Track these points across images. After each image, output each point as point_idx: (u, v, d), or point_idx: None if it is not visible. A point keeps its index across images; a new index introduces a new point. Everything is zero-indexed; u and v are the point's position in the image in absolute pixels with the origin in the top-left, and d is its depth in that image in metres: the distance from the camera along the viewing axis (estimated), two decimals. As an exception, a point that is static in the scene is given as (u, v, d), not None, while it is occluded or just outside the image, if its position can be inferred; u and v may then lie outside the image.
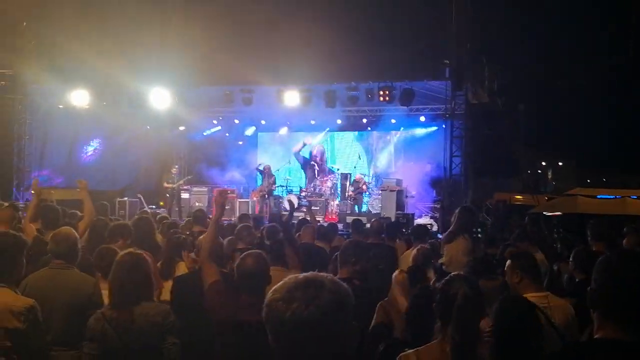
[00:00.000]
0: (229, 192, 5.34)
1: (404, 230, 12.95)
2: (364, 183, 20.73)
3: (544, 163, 48.44)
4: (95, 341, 4.01)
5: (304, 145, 22.29)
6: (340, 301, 1.84)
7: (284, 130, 23.99)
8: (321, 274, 1.93)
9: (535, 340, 3.46)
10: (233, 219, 16.34)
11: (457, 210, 7.55)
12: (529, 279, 4.60)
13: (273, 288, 1.89)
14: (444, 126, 19.02)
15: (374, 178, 21.47)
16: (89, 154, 22.04)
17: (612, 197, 21.42)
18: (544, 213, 16.48)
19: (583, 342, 3.58)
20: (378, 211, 18.59)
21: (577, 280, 6.00)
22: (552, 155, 47.39)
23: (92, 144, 22.04)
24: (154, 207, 19.29)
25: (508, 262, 4.88)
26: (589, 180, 41.93)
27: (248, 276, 3.91)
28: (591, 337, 2.48)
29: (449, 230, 7.15)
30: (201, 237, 5.56)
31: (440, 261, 6.81)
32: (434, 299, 3.82)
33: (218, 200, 4.74)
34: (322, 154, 22.57)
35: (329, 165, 23.17)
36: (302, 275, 1.90)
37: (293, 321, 1.78)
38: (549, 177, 48.19)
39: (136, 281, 4.09)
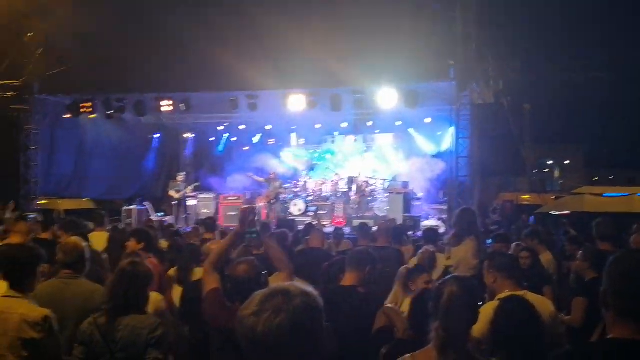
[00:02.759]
0: (254, 208, 5.36)
1: (410, 233, 12.96)
2: (367, 186, 20.72)
3: (550, 162, 48.34)
4: (83, 345, 4.05)
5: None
6: (308, 305, 1.88)
7: (293, 137, 24.05)
8: (287, 284, 1.96)
9: (539, 339, 3.46)
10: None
11: (456, 212, 7.53)
12: (503, 277, 4.62)
13: (243, 305, 1.92)
14: (450, 127, 18.97)
15: (383, 182, 21.41)
16: None
17: (618, 194, 21.37)
18: (551, 212, 16.47)
19: (597, 341, 3.57)
20: (385, 214, 18.56)
21: (586, 279, 5.98)
22: (558, 154, 47.31)
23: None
24: (161, 214, 19.31)
25: (485, 262, 4.90)
26: (595, 179, 41.87)
27: (240, 283, 3.90)
28: (603, 337, 2.47)
29: (452, 233, 7.11)
30: (209, 243, 5.57)
31: (446, 264, 6.78)
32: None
33: (243, 217, 4.62)
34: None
35: (332, 170, 23.28)
36: (267, 288, 1.95)
37: (265, 332, 1.81)
38: (556, 176, 48.08)
39: (131, 291, 4.13)
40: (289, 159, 24.25)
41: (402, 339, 4.12)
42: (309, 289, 1.96)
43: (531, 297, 4.44)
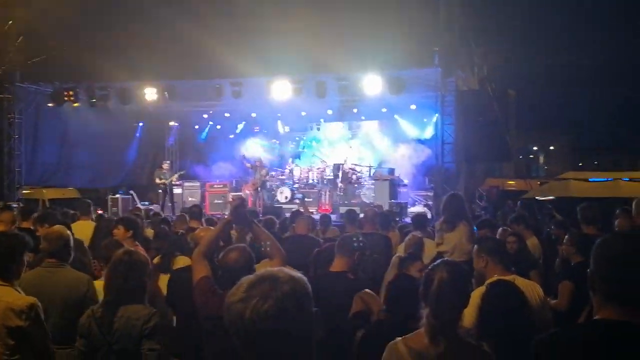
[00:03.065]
0: (244, 200, 5.38)
1: (397, 219, 12.98)
2: (353, 173, 20.73)
3: (535, 148, 48.60)
4: (83, 337, 4.04)
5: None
6: (296, 290, 1.87)
7: (279, 125, 24.03)
8: (274, 269, 1.94)
9: (527, 323, 3.48)
10: (227, 213, 16.34)
11: (445, 198, 7.51)
12: (494, 262, 4.65)
13: (230, 292, 1.91)
14: (436, 114, 19.00)
15: (369, 169, 21.43)
16: None
17: (603, 179, 21.51)
18: (537, 198, 16.55)
19: (583, 323, 3.59)
20: (371, 201, 18.60)
21: (572, 263, 6.02)
22: (543, 140, 47.55)
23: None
24: (146, 203, 19.24)
25: (474, 247, 4.92)
26: (580, 164, 42.14)
27: (231, 271, 3.88)
28: (589, 319, 2.48)
29: (442, 218, 7.08)
30: (197, 231, 5.55)
31: (439, 250, 6.76)
32: (413, 286, 3.85)
33: (234, 206, 4.61)
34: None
35: (319, 156, 23.27)
36: (254, 274, 1.93)
37: (253, 318, 1.80)
38: (541, 161, 48.37)
39: (129, 282, 4.08)
40: (257, 148, 24.00)
41: (377, 320, 4.12)
42: (298, 274, 1.94)
43: (520, 281, 4.46)
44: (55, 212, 7.50)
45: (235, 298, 1.87)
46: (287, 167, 22.73)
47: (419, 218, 8.90)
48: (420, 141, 21.64)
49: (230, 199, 16.71)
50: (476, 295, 3.69)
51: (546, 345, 2.43)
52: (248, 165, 20.47)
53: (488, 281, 4.23)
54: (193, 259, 4.21)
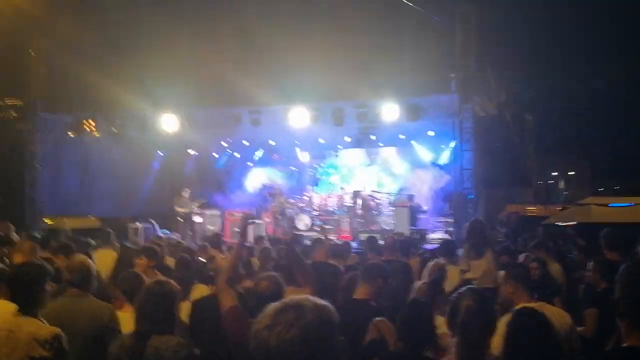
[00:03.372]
0: (250, 216, 5.45)
1: (418, 245, 12.91)
2: (372, 200, 20.67)
3: (555, 173, 48.23)
4: None
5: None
6: (322, 319, 1.89)
7: (298, 153, 24.07)
8: (300, 297, 1.97)
9: (553, 352, 3.42)
10: (247, 241, 16.32)
11: (468, 224, 7.46)
12: (522, 288, 4.61)
13: (257, 318, 1.94)
14: (453, 141, 18.97)
15: (388, 195, 21.37)
16: None
17: (625, 204, 21.29)
18: (558, 223, 16.40)
19: (611, 350, 3.54)
20: (391, 227, 18.53)
21: (597, 289, 5.95)
22: (562, 165, 47.20)
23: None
24: (167, 231, 19.29)
25: (503, 272, 4.90)
26: (601, 189, 41.75)
27: (263, 299, 3.89)
28: (618, 346, 2.45)
29: (468, 245, 7.04)
30: (217, 260, 5.58)
31: (467, 277, 6.71)
32: (426, 310, 3.82)
33: (242, 226, 4.66)
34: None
35: (337, 183, 23.25)
36: (281, 301, 1.95)
37: (278, 346, 1.82)
38: (561, 187, 47.98)
39: (160, 312, 4.04)
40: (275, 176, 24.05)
41: (391, 351, 4.10)
42: (324, 303, 1.95)
43: (548, 309, 4.41)
44: (70, 242, 7.51)
45: (261, 325, 1.89)
46: (305, 194, 22.72)
47: (447, 244, 8.83)
48: (438, 166, 21.57)
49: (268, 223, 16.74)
50: (503, 322, 3.66)
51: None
52: (267, 193, 20.53)
53: (515, 308, 4.20)
54: (218, 288, 4.23)
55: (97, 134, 19.05)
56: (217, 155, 24.43)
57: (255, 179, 24.04)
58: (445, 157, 21.40)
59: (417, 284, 6.01)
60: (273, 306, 1.94)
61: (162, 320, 4.05)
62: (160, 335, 4.01)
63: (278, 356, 1.83)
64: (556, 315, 4.41)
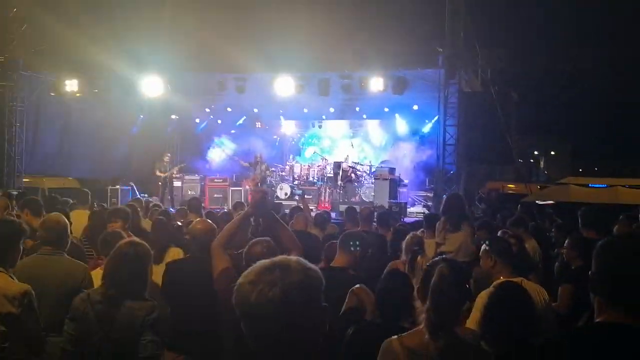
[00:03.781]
0: (267, 193, 5.47)
1: (396, 218, 12.94)
2: (352, 172, 20.66)
3: (536, 152, 48.56)
4: (75, 321, 3.97)
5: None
6: (306, 283, 1.87)
7: (281, 122, 23.98)
8: (289, 257, 1.95)
9: (531, 326, 3.43)
10: (226, 207, 16.33)
11: (446, 198, 7.47)
12: (502, 263, 4.65)
13: (243, 273, 1.92)
14: (437, 115, 18.96)
15: (369, 167, 21.39)
16: None
17: (603, 185, 21.52)
18: (537, 202, 16.53)
19: (585, 326, 3.56)
20: (371, 199, 18.58)
21: (573, 267, 6.01)
22: (544, 144, 47.50)
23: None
24: (146, 195, 19.21)
25: (483, 246, 4.92)
26: (581, 170, 42.13)
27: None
28: (591, 322, 2.46)
29: (444, 218, 7.04)
30: (193, 224, 5.56)
31: (441, 249, 6.73)
32: (405, 282, 3.82)
33: (255, 197, 4.60)
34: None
35: (321, 154, 23.21)
36: (270, 259, 1.93)
37: (258, 303, 1.81)
38: (542, 166, 48.35)
39: (133, 273, 4.04)
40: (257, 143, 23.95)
41: (368, 320, 4.10)
42: (312, 266, 1.94)
43: (527, 284, 4.45)
44: (37, 199, 7.39)
45: (245, 280, 1.89)
46: (287, 163, 22.71)
47: (431, 218, 8.87)
48: (421, 136, 21.64)
49: (251, 191, 16.67)
50: (481, 297, 3.67)
51: (550, 348, 2.41)
52: (245, 164, 20.49)
53: (495, 282, 4.22)
54: (213, 250, 4.18)
55: (78, 95, 18.80)
56: (198, 121, 24.32)
57: (237, 146, 23.97)
58: (427, 130, 21.49)
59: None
60: (261, 263, 1.92)
61: (133, 281, 4.03)
62: (132, 296, 4.00)
63: (257, 313, 1.82)
64: (534, 290, 4.44)
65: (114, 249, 4.19)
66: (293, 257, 1.95)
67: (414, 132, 21.97)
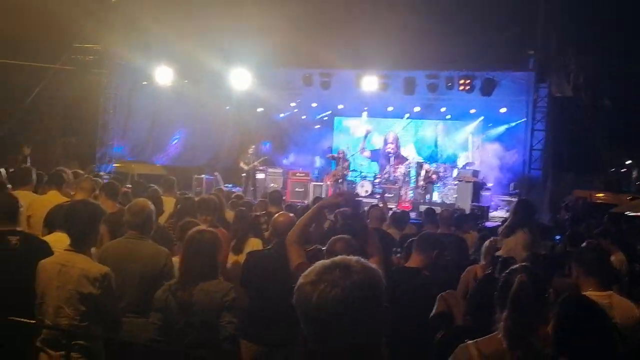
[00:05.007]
0: (353, 194, 5.55)
1: (478, 222, 12.75)
2: (434, 173, 20.40)
3: (628, 162, 46.78)
4: (159, 312, 4.15)
5: (367, 133, 22.40)
6: (367, 283, 1.86)
7: (364, 116, 23.88)
8: (350, 257, 1.93)
9: (605, 341, 3.28)
10: (307, 201, 16.46)
11: (514, 204, 7.34)
12: (591, 276, 4.38)
13: (304, 273, 1.91)
14: (525, 119, 18.54)
15: (451, 169, 21.11)
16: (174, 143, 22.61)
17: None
18: (627, 213, 15.93)
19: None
20: (452, 202, 18.34)
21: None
22: (637, 154, 45.71)
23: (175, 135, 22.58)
24: (230, 185, 19.57)
25: (574, 256, 4.72)
26: (675, 182, 40.37)
27: None
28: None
29: (506, 224, 6.91)
30: (275, 216, 5.61)
31: (497, 254, 6.61)
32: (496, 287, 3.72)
33: (337, 198, 4.56)
34: (397, 140, 22.47)
35: (402, 153, 23.03)
36: (330, 259, 1.92)
37: (318, 303, 1.81)
38: (634, 176, 46.55)
39: (201, 259, 4.20)
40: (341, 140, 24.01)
41: (459, 325, 4.06)
42: (372, 266, 1.92)
43: (616, 299, 4.22)
44: (114, 183, 7.51)
45: (306, 280, 1.88)
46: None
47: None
48: (509, 145, 21.18)
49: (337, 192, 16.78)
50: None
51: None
52: (331, 157, 20.60)
53: (566, 296, 4.06)
54: (288, 242, 4.20)
55: (169, 85, 19.36)
56: (282, 115, 24.59)
57: (321, 141, 24.11)
58: (517, 136, 21.02)
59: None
60: (321, 263, 1.91)
61: (202, 266, 4.19)
62: (207, 281, 4.14)
63: (317, 313, 1.82)
64: (623, 305, 4.18)
65: (185, 239, 4.38)
66: (353, 257, 1.93)
67: (500, 136, 21.54)
